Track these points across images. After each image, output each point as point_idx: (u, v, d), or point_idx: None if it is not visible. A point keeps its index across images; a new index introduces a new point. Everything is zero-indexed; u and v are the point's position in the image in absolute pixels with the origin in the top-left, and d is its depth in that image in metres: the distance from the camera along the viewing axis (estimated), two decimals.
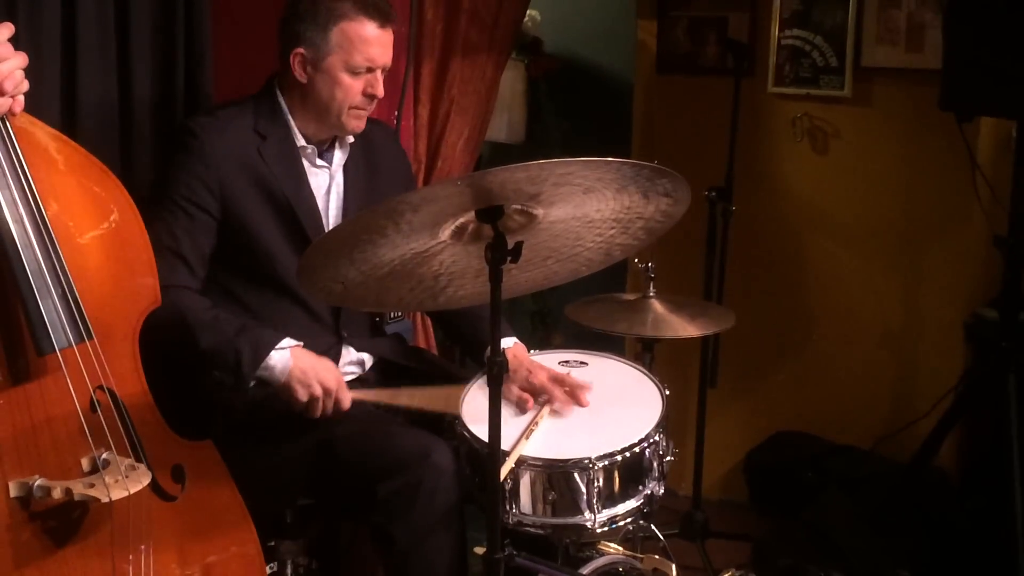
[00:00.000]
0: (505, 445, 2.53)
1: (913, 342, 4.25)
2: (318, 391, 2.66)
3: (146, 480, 2.15)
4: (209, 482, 2.44)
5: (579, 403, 2.75)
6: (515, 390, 2.80)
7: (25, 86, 2.02)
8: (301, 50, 2.78)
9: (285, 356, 2.67)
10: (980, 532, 3.60)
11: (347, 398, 2.70)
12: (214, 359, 2.69)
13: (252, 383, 2.68)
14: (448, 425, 2.71)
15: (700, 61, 4.40)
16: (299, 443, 2.73)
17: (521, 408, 2.77)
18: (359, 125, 2.87)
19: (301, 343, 2.73)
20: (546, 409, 2.74)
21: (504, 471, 2.48)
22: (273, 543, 2.80)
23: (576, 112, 5.47)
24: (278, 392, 2.68)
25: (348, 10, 2.76)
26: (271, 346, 2.67)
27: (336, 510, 2.94)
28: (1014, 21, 3.25)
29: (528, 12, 4.47)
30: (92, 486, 2.09)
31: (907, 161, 4.14)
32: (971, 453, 4.01)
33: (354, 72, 2.78)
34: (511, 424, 2.66)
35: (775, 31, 4.23)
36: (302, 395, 2.66)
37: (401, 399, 2.81)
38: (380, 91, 2.84)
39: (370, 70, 2.80)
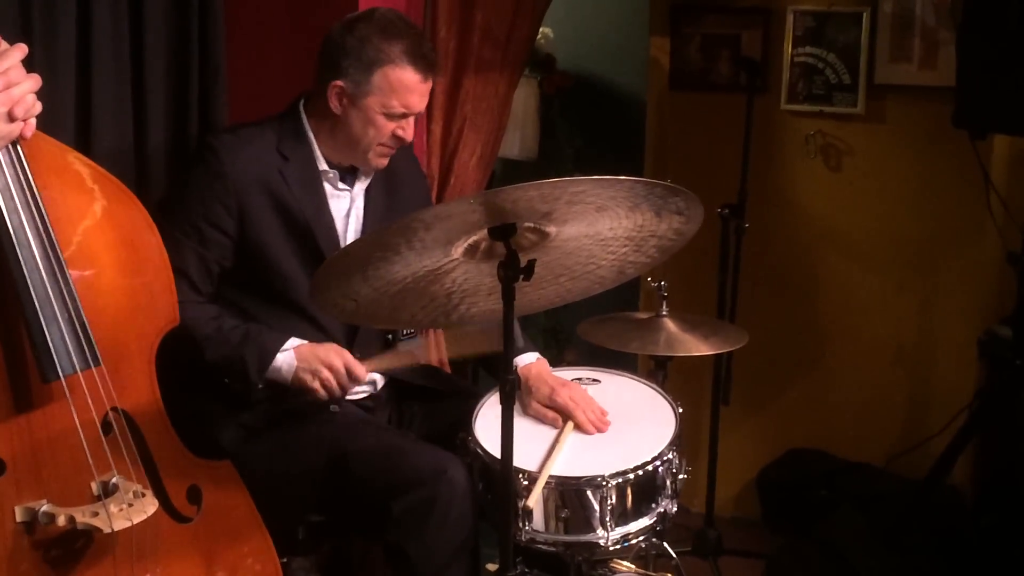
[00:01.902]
0: (530, 465, 2.55)
1: (926, 359, 4.24)
2: (325, 373, 2.71)
3: (151, 509, 2.14)
4: (226, 503, 2.45)
5: (599, 430, 2.75)
6: (538, 407, 2.81)
7: (38, 108, 2.01)
8: (340, 83, 2.77)
9: (289, 357, 2.73)
10: (994, 550, 3.59)
11: (361, 370, 2.73)
12: (222, 370, 2.74)
13: (260, 386, 2.74)
14: (461, 442, 2.72)
15: (713, 78, 4.40)
16: (311, 459, 2.74)
17: (543, 425, 2.77)
18: (382, 163, 2.88)
19: (305, 342, 2.77)
20: (569, 427, 2.74)
21: (533, 498, 2.49)
22: (285, 560, 2.80)
23: (589, 129, 5.47)
24: (293, 390, 2.73)
25: (397, 56, 2.75)
26: (275, 351, 2.73)
27: (349, 526, 2.94)
28: None
29: (541, 29, 4.47)
30: (96, 515, 2.08)
31: (921, 178, 4.13)
32: (985, 471, 4.00)
33: (390, 115, 2.78)
34: (532, 442, 2.67)
35: (788, 48, 4.23)
36: (311, 383, 2.71)
37: (410, 358, 2.85)
38: (410, 136, 2.85)
39: (405, 116, 2.81)
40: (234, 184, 2.75)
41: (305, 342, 2.76)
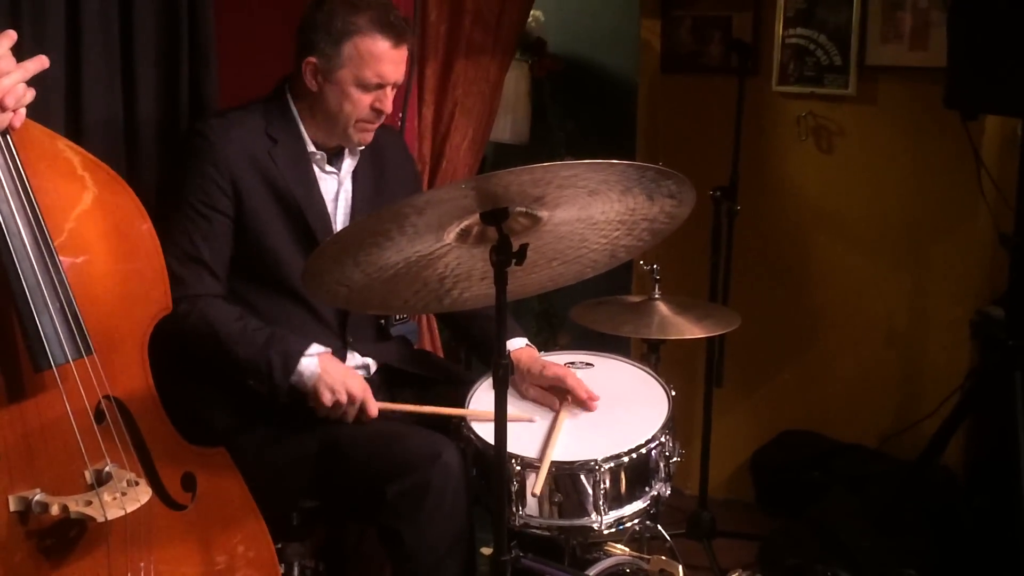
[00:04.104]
0: (523, 450, 2.56)
1: (919, 340, 4.24)
2: (344, 398, 2.68)
3: (145, 498, 2.14)
4: (221, 489, 2.44)
5: (587, 407, 2.76)
6: (537, 391, 2.82)
7: (29, 97, 2.00)
8: (313, 59, 2.78)
9: (313, 363, 2.70)
10: (987, 530, 3.60)
11: (374, 407, 2.72)
12: (246, 370, 2.72)
13: (286, 390, 2.70)
14: (455, 427, 2.72)
15: (704, 60, 4.40)
16: (304, 445, 2.74)
17: (535, 411, 2.78)
18: (366, 138, 2.87)
19: (329, 349, 2.75)
20: (564, 412, 2.74)
21: (539, 485, 2.49)
22: (280, 545, 2.80)
23: (580, 112, 5.46)
24: (306, 396, 2.71)
25: (364, 25, 2.75)
26: (299, 355, 2.70)
27: (343, 511, 2.94)
28: (1018, 19, 3.25)
29: (532, 12, 4.47)
30: (89, 504, 2.07)
31: (912, 159, 4.13)
32: (977, 451, 4.00)
33: (364, 87, 2.78)
34: (524, 428, 2.68)
35: (779, 30, 4.22)
36: (328, 400, 2.68)
37: (427, 411, 2.81)
38: (389, 107, 2.84)
39: (380, 86, 2.79)
40: (227, 166, 2.74)
41: (328, 350, 2.75)
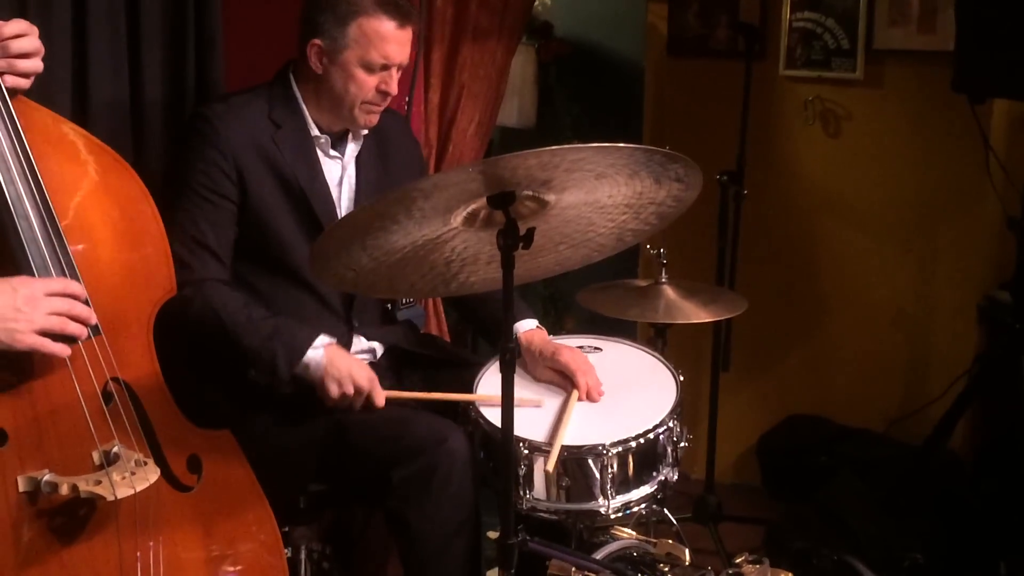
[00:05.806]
0: (531, 433, 2.55)
1: (926, 325, 4.24)
2: (350, 390, 2.67)
3: (153, 477, 2.15)
4: (227, 472, 2.45)
5: (591, 399, 2.76)
6: (550, 374, 2.82)
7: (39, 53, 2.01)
8: (318, 41, 2.77)
9: (319, 355, 2.69)
10: (993, 514, 3.60)
11: (381, 397, 2.70)
12: (250, 360, 2.71)
13: (288, 381, 2.70)
14: (462, 410, 2.72)
15: (711, 44, 4.38)
16: (311, 429, 2.74)
17: (543, 394, 2.78)
18: (371, 120, 2.86)
19: (335, 340, 2.74)
20: (575, 394, 2.74)
21: (552, 463, 2.50)
22: (287, 529, 2.80)
23: (587, 96, 5.45)
24: (313, 387, 2.70)
25: (368, 6, 2.74)
26: (305, 347, 2.69)
27: (350, 496, 2.95)
28: None
29: None
30: (99, 483, 2.09)
31: (920, 143, 4.12)
32: (984, 435, 4.00)
33: (369, 68, 2.77)
34: (532, 411, 2.68)
35: (786, 13, 4.21)
36: (334, 392, 2.67)
37: (435, 398, 2.81)
38: (394, 89, 2.83)
39: (385, 68, 2.79)
40: (231, 151, 2.74)
41: (334, 341, 2.74)
